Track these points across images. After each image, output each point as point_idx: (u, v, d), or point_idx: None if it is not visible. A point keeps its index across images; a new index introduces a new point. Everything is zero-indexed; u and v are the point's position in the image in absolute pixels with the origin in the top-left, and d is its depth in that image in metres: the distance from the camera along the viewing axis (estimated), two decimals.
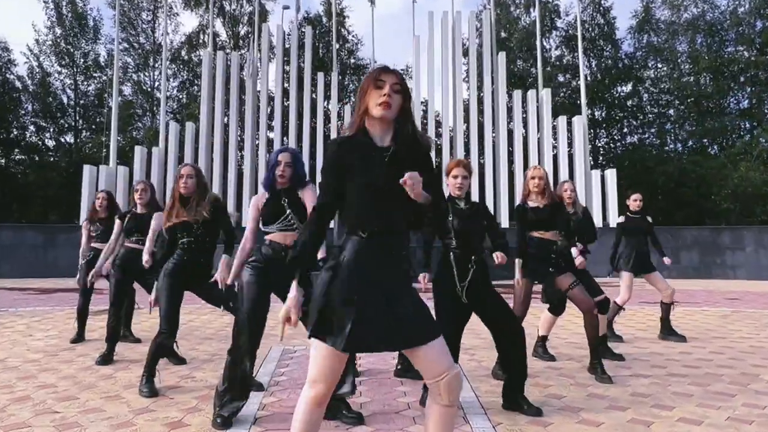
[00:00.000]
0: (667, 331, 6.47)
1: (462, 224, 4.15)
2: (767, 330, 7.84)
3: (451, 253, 4.12)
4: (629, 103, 35.25)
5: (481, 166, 23.14)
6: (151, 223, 5.38)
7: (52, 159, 33.73)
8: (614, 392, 4.26)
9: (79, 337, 6.24)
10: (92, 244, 6.66)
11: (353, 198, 2.16)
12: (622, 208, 11.47)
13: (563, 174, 22.29)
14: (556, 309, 5.70)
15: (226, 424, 3.58)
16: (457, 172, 4.19)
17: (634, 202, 6.60)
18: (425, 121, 27.46)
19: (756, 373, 5.01)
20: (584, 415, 3.59)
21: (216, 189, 22.95)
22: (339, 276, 2.07)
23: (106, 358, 5.05)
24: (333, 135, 25.48)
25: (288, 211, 3.97)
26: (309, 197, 3.96)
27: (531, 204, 5.11)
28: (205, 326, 7.69)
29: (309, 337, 2.11)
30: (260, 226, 4.11)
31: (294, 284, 2.15)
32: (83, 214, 21.31)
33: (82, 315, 6.29)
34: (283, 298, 2.62)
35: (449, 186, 4.26)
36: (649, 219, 6.69)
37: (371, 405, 3.85)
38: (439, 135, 27.50)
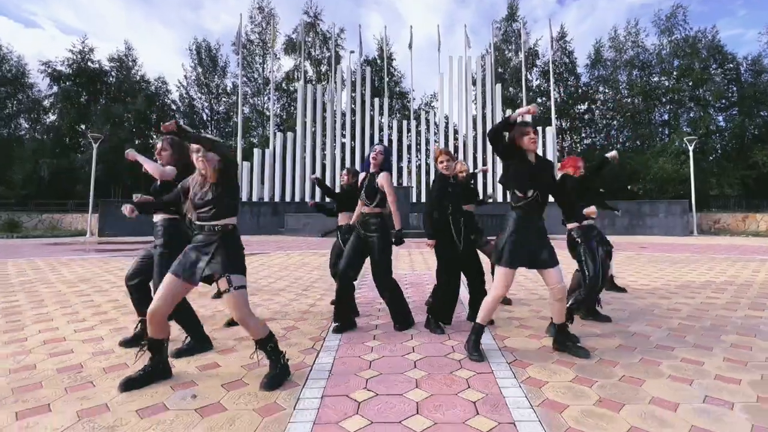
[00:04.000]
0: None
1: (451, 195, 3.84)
2: (640, 262, 8.79)
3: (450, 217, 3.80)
4: (586, 117, 35.47)
5: (485, 161, 23.88)
6: None
7: None
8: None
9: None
10: None
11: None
12: None
13: None
14: None
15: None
16: (442, 158, 3.81)
17: None
18: (447, 130, 27.57)
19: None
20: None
21: (306, 178, 23.71)
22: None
23: None
24: (385, 140, 25.27)
25: (363, 192, 3.80)
26: (382, 180, 3.73)
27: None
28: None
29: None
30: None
31: None
32: None
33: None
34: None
35: (439, 168, 3.85)
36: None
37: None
38: (456, 139, 27.97)
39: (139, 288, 3.29)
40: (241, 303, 2.47)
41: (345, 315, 3.76)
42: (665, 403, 2.37)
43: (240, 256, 2.56)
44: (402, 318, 3.80)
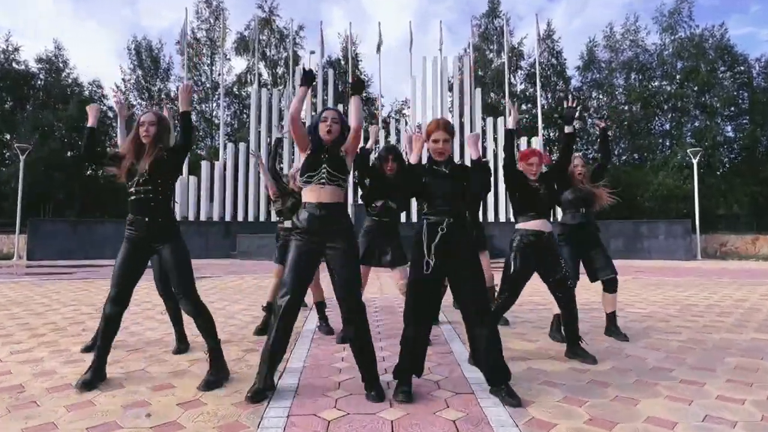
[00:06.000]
0: None
1: (442, 187, 2.82)
2: (636, 285, 8.83)
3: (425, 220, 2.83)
4: (577, 126, 33.08)
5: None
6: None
7: None
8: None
9: None
10: None
11: None
12: None
13: None
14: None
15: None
16: (437, 136, 2.82)
17: None
18: None
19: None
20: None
21: (261, 192, 21.82)
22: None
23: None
24: None
25: (323, 166, 2.83)
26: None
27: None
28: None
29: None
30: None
31: None
32: None
33: None
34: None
35: (430, 150, 2.89)
36: None
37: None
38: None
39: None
40: None
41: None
42: (662, 421, 2.42)
43: None
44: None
